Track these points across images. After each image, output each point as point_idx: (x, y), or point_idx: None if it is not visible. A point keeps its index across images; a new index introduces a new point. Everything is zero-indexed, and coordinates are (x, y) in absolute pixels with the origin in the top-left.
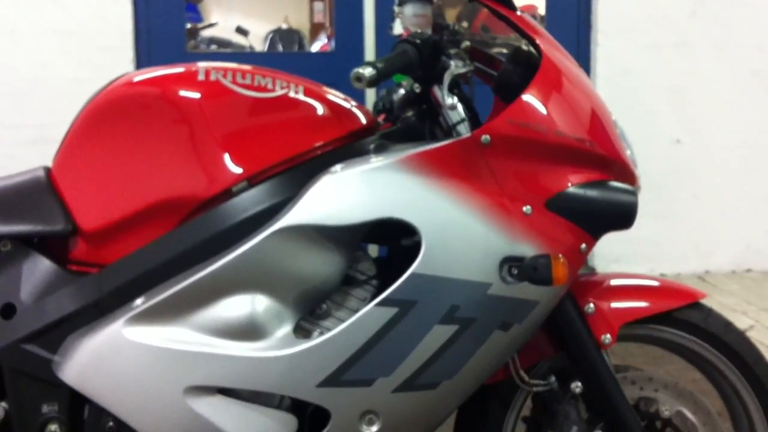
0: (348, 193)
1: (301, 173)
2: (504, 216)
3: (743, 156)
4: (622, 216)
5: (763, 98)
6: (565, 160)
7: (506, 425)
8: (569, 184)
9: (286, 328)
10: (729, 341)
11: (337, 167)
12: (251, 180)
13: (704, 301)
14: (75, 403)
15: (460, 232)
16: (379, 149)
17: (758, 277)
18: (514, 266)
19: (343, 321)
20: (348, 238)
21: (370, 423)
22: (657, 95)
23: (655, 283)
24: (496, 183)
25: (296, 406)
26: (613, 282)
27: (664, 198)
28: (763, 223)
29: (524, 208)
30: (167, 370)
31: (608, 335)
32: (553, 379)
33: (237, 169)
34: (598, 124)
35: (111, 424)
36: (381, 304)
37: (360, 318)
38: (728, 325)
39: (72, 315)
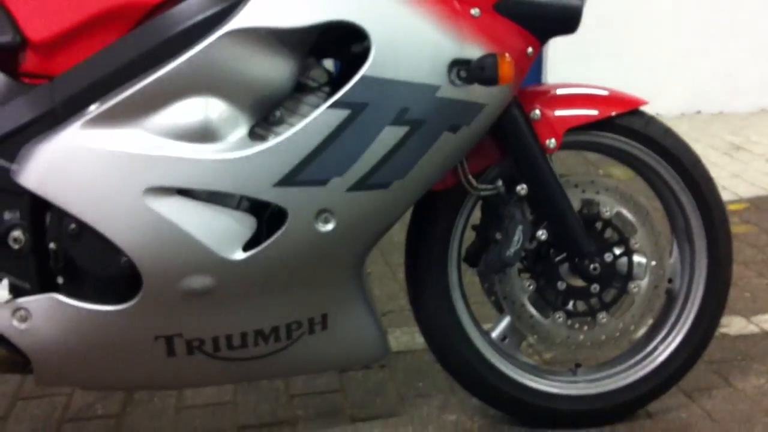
0: None
1: None
2: (453, 18)
3: None
4: (568, 19)
5: None
6: None
7: (455, 230)
8: None
9: (240, 132)
10: (668, 145)
11: None
12: None
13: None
14: (36, 209)
15: (409, 35)
16: None
17: (707, 118)
18: (462, 68)
19: (293, 127)
20: (299, 44)
21: (326, 222)
22: None
23: (600, 92)
24: None
25: (254, 208)
26: (560, 91)
27: (615, 38)
28: (713, 64)
29: (472, 11)
30: (125, 172)
31: (553, 140)
32: (500, 183)
33: None
34: None
35: (73, 226)
36: (333, 106)
37: (313, 120)
38: (667, 131)
39: (27, 124)
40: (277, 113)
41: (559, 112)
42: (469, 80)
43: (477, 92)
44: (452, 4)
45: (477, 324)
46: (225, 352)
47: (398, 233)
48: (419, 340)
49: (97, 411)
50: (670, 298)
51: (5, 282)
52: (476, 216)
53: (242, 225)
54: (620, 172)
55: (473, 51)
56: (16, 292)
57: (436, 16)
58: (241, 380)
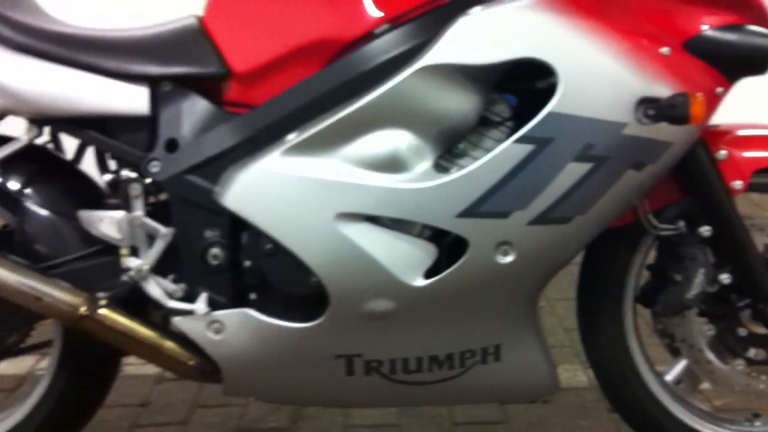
0: (487, 33)
1: (439, 16)
2: (641, 56)
3: None
4: (759, 60)
5: None
6: (703, 1)
7: (631, 268)
8: (707, 26)
9: (426, 164)
10: None
11: (476, 9)
12: (392, 23)
13: None
14: (234, 229)
15: (597, 72)
16: None
17: None
18: (650, 107)
19: (477, 161)
20: (485, 79)
21: (505, 254)
22: None
23: None
24: (633, 23)
25: (436, 237)
26: (746, 131)
27: None
28: None
29: (662, 49)
30: (319, 198)
31: (739, 181)
32: (681, 223)
33: (379, 13)
34: None
35: (268, 246)
36: (518, 141)
37: (497, 154)
38: None
39: (229, 150)
40: (461, 146)
41: (746, 153)
42: (657, 118)
43: (664, 131)
44: (641, 42)
45: (651, 366)
46: (400, 375)
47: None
48: (581, 378)
49: (270, 423)
50: None
51: (204, 295)
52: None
53: (424, 253)
54: None
55: (662, 89)
56: (212, 305)
57: (625, 54)
58: (410, 404)
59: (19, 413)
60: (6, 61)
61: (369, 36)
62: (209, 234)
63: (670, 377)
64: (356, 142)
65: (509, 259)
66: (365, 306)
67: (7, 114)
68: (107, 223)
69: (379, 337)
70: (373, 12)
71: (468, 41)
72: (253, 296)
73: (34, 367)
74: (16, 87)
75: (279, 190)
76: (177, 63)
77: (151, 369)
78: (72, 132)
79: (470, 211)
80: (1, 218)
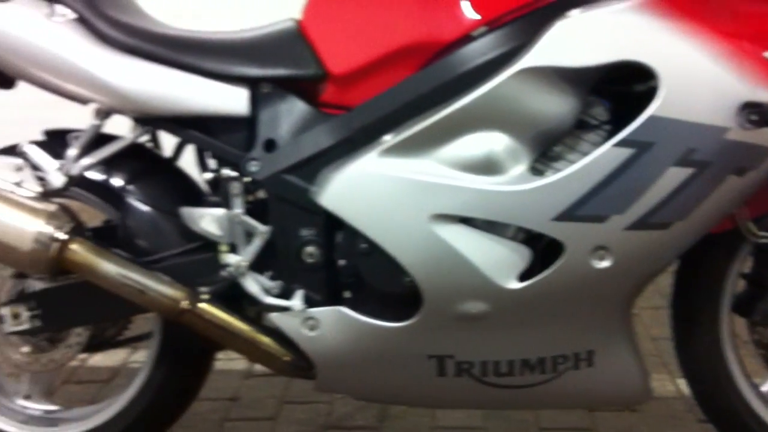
0: (587, 36)
1: (537, 18)
2: (744, 60)
3: None
4: None
5: None
6: None
7: (728, 277)
8: None
9: (522, 166)
10: None
11: (575, 11)
12: (489, 25)
13: None
14: (330, 228)
15: (699, 75)
16: None
17: None
18: (753, 112)
19: (574, 164)
20: (583, 82)
21: (602, 258)
22: None
23: None
24: (736, 26)
25: (530, 240)
26: None
27: None
28: None
29: (766, 53)
30: (415, 198)
31: None
32: None
33: (476, 15)
34: None
35: (364, 245)
36: (618, 144)
37: (597, 157)
38: None
39: (326, 150)
40: (556, 149)
41: None
42: (760, 124)
43: (766, 136)
44: (744, 45)
45: (747, 376)
46: (491, 378)
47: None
48: (669, 387)
49: (357, 421)
50: None
51: (300, 293)
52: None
53: (519, 256)
54: None
55: (765, 94)
56: (307, 302)
57: (727, 57)
58: (500, 407)
59: (117, 404)
60: (114, 62)
61: (466, 38)
62: (305, 232)
63: (766, 388)
64: (453, 144)
65: (605, 264)
66: (459, 307)
67: (113, 113)
68: (208, 220)
69: (472, 339)
70: (471, 14)
71: (568, 44)
72: (347, 294)
73: (126, 359)
74: (123, 87)
75: (375, 190)
76: (276, 65)
77: (239, 364)
78: (174, 131)
79: (567, 215)
80: (104, 214)
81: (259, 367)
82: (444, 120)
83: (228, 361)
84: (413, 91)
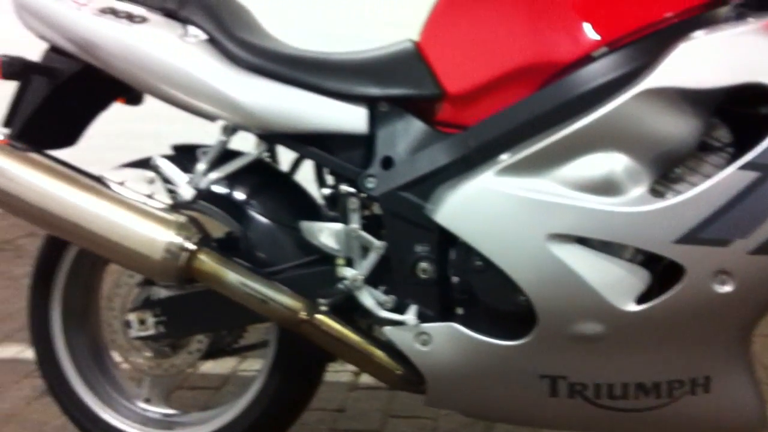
0: (712, 58)
1: (658, 40)
2: None
3: None
4: None
5: None
6: None
7: None
8: None
9: (642, 188)
10: None
11: (699, 33)
12: (610, 46)
13: None
14: (443, 244)
15: None
16: (740, 17)
17: None
18: None
19: (695, 186)
20: (706, 104)
21: (723, 283)
22: None
23: None
24: None
25: (648, 262)
26: None
27: None
28: None
29: None
30: (532, 218)
31: None
32: None
33: (597, 36)
34: None
35: (478, 262)
36: (744, 167)
37: (721, 180)
38: None
39: (442, 168)
40: (678, 171)
41: None
42: None
43: None
44: None
45: None
46: (604, 401)
47: None
48: None
49: None
50: None
51: (413, 307)
52: None
53: (637, 278)
54: None
55: None
56: (420, 317)
57: None
58: (611, 430)
59: (233, 411)
60: (241, 81)
61: (586, 58)
62: (419, 248)
63: None
64: (571, 164)
65: (727, 288)
66: (573, 328)
67: (239, 129)
68: (326, 234)
69: (586, 360)
70: (592, 35)
71: (692, 65)
72: (460, 311)
73: (236, 367)
74: (250, 105)
75: (492, 208)
76: (394, 85)
77: (344, 376)
78: (294, 147)
79: (689, 238)
80: (227, 226)
81: (364, 380)
82: (564, 140)
83: (333, 372)
84: (532, 111)
